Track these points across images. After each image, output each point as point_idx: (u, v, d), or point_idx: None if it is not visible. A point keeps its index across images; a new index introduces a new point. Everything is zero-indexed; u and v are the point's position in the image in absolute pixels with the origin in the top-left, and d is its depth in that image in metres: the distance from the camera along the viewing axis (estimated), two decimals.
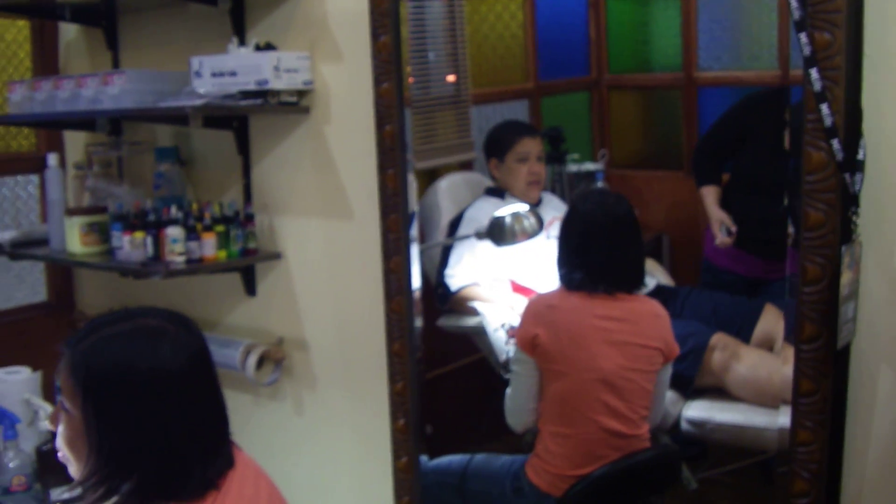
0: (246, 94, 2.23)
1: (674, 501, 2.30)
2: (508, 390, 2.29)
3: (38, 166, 3.01)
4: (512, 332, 2.36)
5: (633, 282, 2.22)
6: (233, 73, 2.23)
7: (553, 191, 2.79)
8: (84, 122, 2.75)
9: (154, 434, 1.37)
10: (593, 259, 2.19)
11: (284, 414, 2.56)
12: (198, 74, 2.29)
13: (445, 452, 2.38)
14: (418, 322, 2.25)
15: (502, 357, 2.43)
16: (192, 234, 2.31)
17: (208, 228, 2.33)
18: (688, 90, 2.84)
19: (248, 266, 2.51)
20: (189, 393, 1.40)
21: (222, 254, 2.36)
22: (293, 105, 2.30)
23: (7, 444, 2.46)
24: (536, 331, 2.16)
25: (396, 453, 2.29)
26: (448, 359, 2.62)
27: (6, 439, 2.46)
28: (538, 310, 2.23)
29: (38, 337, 2.95)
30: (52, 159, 2.68)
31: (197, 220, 2.34)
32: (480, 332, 2.51)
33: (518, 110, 2.99)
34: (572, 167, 2.84)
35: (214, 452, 1.43)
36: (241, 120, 2.46)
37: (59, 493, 1.71)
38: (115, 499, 1.38)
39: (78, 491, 1.40)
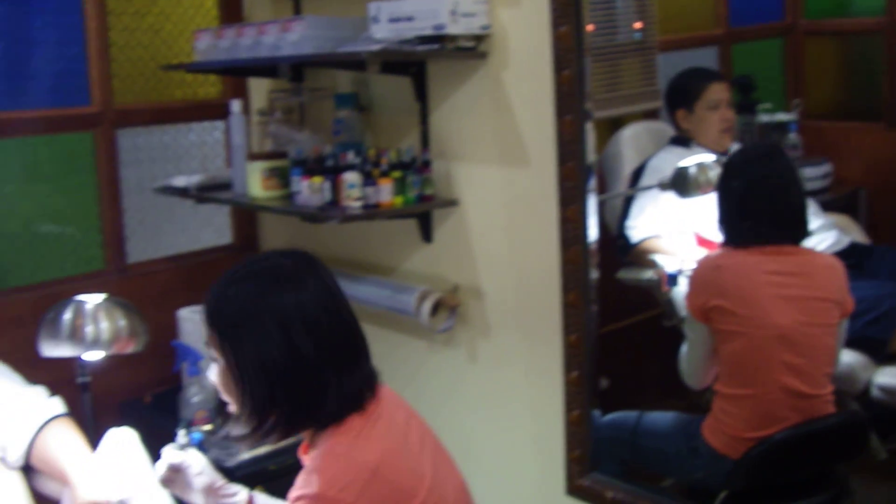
0: (423, 40, 2.35)
1: (860, 471, 2.29)
2: (683, 350, 2.34)
3: (224, 113, 3.24)
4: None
5: (797, 233, 2.22)
6: (410, 19, 2.35)
7: (742, 142, 2.79)
8: (266, 68, 2.96)
9: (284, 369, 1.55)
10: (756, 213, 2.19)
11: (458, 361, 2.71)
12: (375, 20, 2.43)
13: (619, 408, 2.45)
14: (595, 274, 2.33)
15: (682, 313, 2.48)
16: (368, 179, 2.47)
17: (385, 174, 2.48)
18: (891, 36, 2.76)
19: (424, 212, 2.66)
20: (315, 327, 1.55)
21: (398, 200, 2.50)
22: (470, 50, 2.41)
23: (191, 380, 2.73)
24: (706, 297, 2.19)
25: (569, 405, 2.40)
26: (625, 313, 2.68)
27: (190, 375, 2.73)
28: (705, 274, 2.26)
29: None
30: (236, 105, 2.90)
31: (374, 165, 2.50)
32: (660, 286, 2.56)
33: (706, 57, 2.98)
34: (763, 117, 2.81)
35: (350, 380, 1.58)
36: (419, 66, 2.59)
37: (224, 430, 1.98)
38: (264, 430, 1.59)
39: (236, 427, 1.62)
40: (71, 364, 2.44)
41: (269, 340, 1.55)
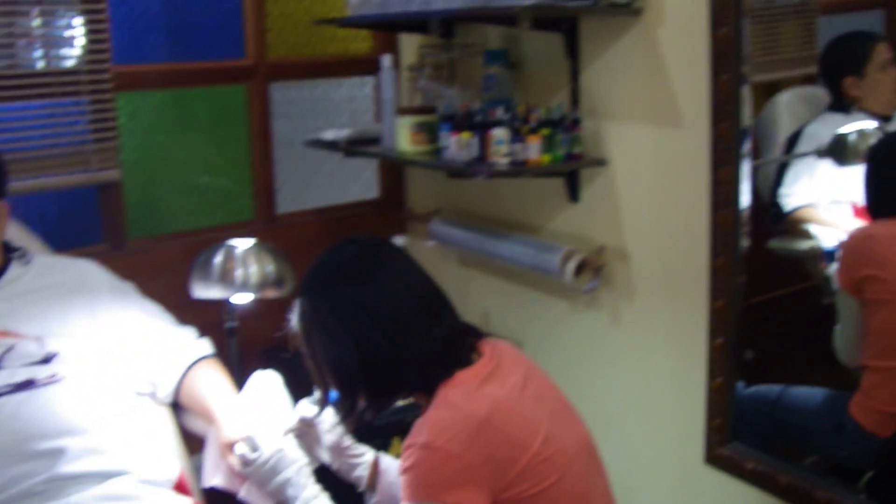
0: None
1: None
2: (838, 326, 2.32)
3: (374, 68, 3.35)
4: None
5: None
6: None
7: None
8: (417, 23, 3.03)
9: (357, 364, 1.67)
10: None
11: (601, 323, 2.75)
12: None
13: (762, 381, 2.44)
14: (745, 242, 2.34)
15: (836, 286, 2.45)
16: (517, 136, 2.53)
17: (533, 131, 2.54)
18: None
19: (571, 171, 2.70)
20: (383, 318, 1.66)
21: (546, 157, 2.55)
22: (624, 7, 2.43)
23: None
24: (857, 268, 2.15)
25: (712, 373, 2.41)
26: (774, 284, 2.67)
27: None
28: (856, 245, 2.22)
29: (368, 232, 3.34)
30: (387, 60, 2.99)
31: (523, 122, 2.55)
32: (813, 256, 2.54)
33: (871, 21, 2.91)
34: None
35: (431, 354, 1.67)
36: (571, 22, 2.62)
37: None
38: (354, 416, 1.73)
39: (329, 411, 1.76)
40: (219, 309, 2.60)
41: (337, 340, 1.68)
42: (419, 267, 1.78)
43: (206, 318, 2.43)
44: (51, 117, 2.78)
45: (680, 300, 2.48)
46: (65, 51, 2.78)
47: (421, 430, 1.60)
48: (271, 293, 2.41)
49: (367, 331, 1.66)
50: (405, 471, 1.62)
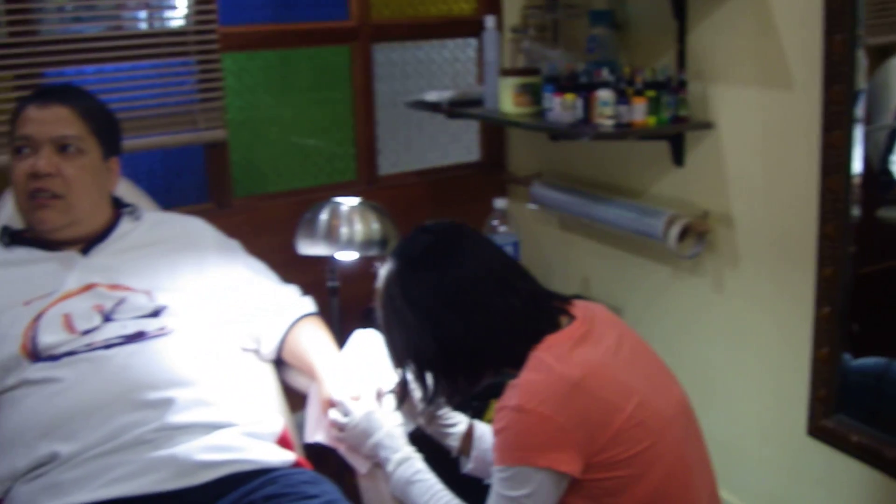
0: None
1: None
2: None
3: (477, 29, 3.36)
4: None
5: None
6: None
7: None
8: None
9: (434, 351, 1.72)
10: None
11: (703, 289, 2.72)
12: None
13: (869, 355, 2.40)
14: (855, 211, 2.29)
15: None
16: (622, 98, 2.51)
17: (639, 93, 2.51)
18: None
19: (677, 134, 2.67)
20: (456, 305, 1.70)
21: (651, 120, 2.53)
22: None
23: None
24: None
25: (817, 342, 2.37)
26: (883, 255, 2.61)
27: None
28: None
29: (469, 194, 3.36)
30: (490, 21, 2.99)
31: (628, 84, 2.53)
32: None
33: None
34: None
35: (514, 328, 1.70)
36: None
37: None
38: (439, 396, 1.79)
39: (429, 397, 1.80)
40: (321, 269, 2.65)
41: (413, 329, 1.73)
42: (494, 246, 1.80)
43: (308, 277, 2.48)
44: (159, 77, 2.85)
45: (786, 267, 2.45)
46: (173, 12, 2.84)
47: (513, 393, 1.62)
48: (375, 252, 2.44)
49: (441, 318, 1.70)
50: (497, 433, 1.64)
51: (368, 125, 3.25)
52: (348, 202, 2.47)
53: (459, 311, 1.70)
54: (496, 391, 1.79)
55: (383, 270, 1.80)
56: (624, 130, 2.52)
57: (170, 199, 2.54)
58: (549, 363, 1.63)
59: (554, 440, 1.59)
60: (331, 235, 2.44)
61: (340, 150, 3.31)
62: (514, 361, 1.68)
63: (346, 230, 2.43)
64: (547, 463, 1.59)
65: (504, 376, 1.73)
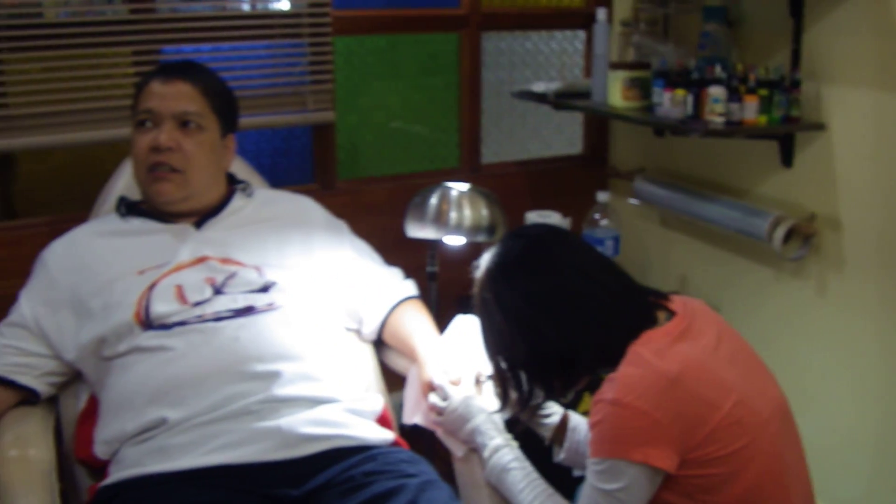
0: None
1: None
2: None
3: (586, 22, 3.36)
4: None
5: None
6: None
7: None
8: None
9: (528, 355, 1.75)
10: None
11: (805, 293, 2.69)
12: None
13: None
14: None
15: None
16: (733, 95, 2.49)
17: (751, 91, 2.49)
18: None
19: (787, 135, 2.63)
20: (549, 310, 1.71)
21: (762, 119, 2.50)
22: None
23: None
24: None
25: None
26: None
27: None
28: None
29: (570, 186, 3.37)
30: (602, 14, 2.98)
31: (740, 81, 2.51)
32: None
33: None
34: None
35: (609, 326, 1.71)
36: None
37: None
38: (533, 400, 1.82)
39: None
40: (420, 253, 2.68)
41: (505, 334, 1.75)
42: (588, 248, 1.81)
43: (406, 261, 2.51)
44: (272, 58, 2.92)
45: (894, 275, 2.41)
46: None
47: (611, 386, 1.63)
48: (482, 238, 2.47)
49: (534, 325, 1.72)
50: (593, 426, 1.65)
51: (474, 113, 3.28)
52: (458, 187, 2.50)
53: (552, 318, 1.71)
54: (592, 384, 1.81)
55: (478, 273, 1.82)
56: (734, 128, 2.50)
57: (275, 178, 2.59)
58: (648, 358, 1.63)
59: (650, 435, 1.59)
60: (439, 219, 2.47)
61: (444, 137, 3.34)
62: (611, 361, 1.69)
63: (456, 215, 2.46)
64: (642, 458, 1.59)
65: (600, 375, 1.74)
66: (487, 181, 3.20)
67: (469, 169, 3.29)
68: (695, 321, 1.73)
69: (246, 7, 2.91)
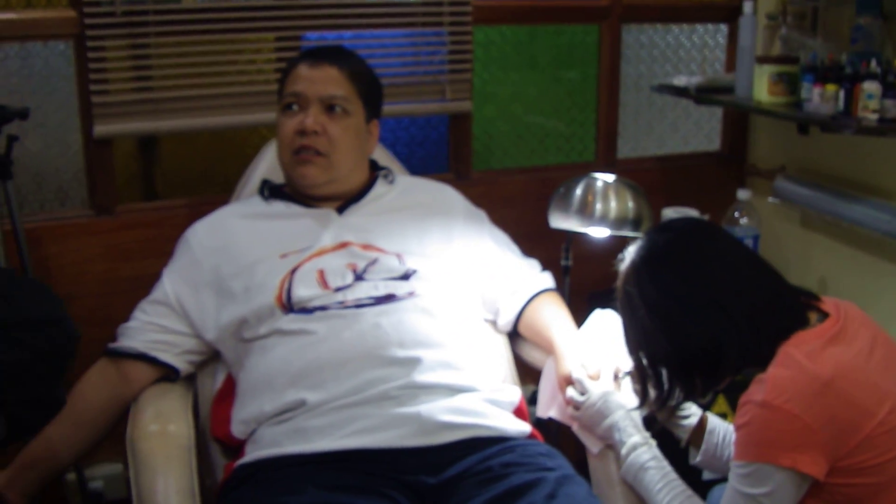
0: None
1: None
2: None
3: (729, 15, 3.29)
4: None
5: None
6: None
7: None
8: None
9: (668, 352, 1.70)
10: None
11: None
12: None
13: None
14: None
15: None
16: (889, 92, 2.39)
17: None
18: None
19: None
20: (701, 300, 1.67)
21: None
22: None
23: None
24: None
25: None
26: None
27: None
28: None
29: (708, 183, 3.30)
30: (748, 7, 2.91)
31: None
32: None
33: None
34: None
35: (755, 324, 1.66)
36: None
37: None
38: (673, 398, 1.77)
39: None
40: (552, 247, 2.66)
41: (648, 330, 1.71)
42: (737, 243, 1.76)
43: (538, 254, 2.50)
44: (412, 46, 2.93)
45: None
46: None
47: (760, 388, 1.59)
48: (627, 231, 2.42)
49: (679, 321, 1.68)
50: (739, 427, 1.61)
51: (611, 107, 3.23)
52: (604, 178, 2.47)
53: (698, 315, 1.67)
54: (730, 386, 1.76)
55: (622, 267, 1.79)
56: (889, 126, 2.41)
57: (410, 167, 2.60)
58: (799, 360, 1.58)
59: (799, 440, 1.55)
60: (584, 211, 2.44)
61: (580, 130, 3.31)
62: (758, 361, 1.65)
63: (601, 206, 2.42)
64: (790, 462, 1.55)
65: (746, 375, 1.69)
66: (623, 176, 3.16)
67: (605, 163, 3.25)
68: (848, 324, 1.67)
69: None
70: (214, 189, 2.98)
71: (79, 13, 2.54)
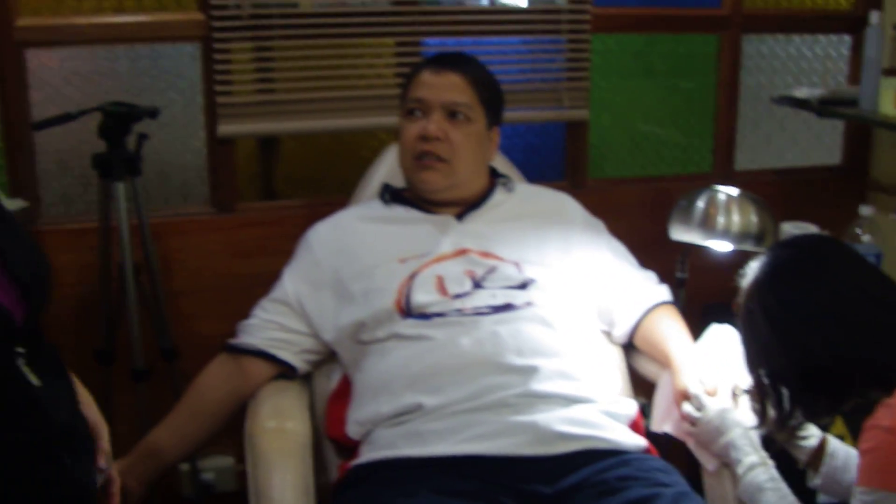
0: None
1: None
2: None
3: (853, 26, 3.21)
4: None
5: None
6: None
7: None
8: None
9: (785, 369, 1.66)
10: None
11: None
12: None
13: None
14: None
15: None
16: None
17: None
18: None
19: None
20: (826, 318, 1.62)
21: None
22: None
23: None
24: None
25: None
26: None
27: None
28: None
29: (827, 198, 3.23)
30: (875, 17, 2.84)
31: None
32: None
33: None
34: None
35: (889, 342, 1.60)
36: None
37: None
38: (793, 418, 1.71)
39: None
40: (666, 258, 2.62)
41: (771, 347, 1.67)
42: (864, 261, 1.71)
43: (652, 265, 2.47)
44: (530, 53, 2.93)
45: None
46: None
47: (888, 412, 1.54)
48: (750, 245, 2.38)
49: (803, 339, 1.63)
50: (864, 452, 1.57)
51: (730, 118, 3.19)
52: (727, 191, 2.43)
53: (824, 334, 1.63)
54: (850, 408, 1.72)
55: (744, 283, 1.75)
56: None
57: (525, 173, 2.60)
58: None
59: None
60: (706, 223, 2.40)
61: (696, 141, 3.27)
62: (886, 383, 1.60)
63: (723, 220, 2.39)
64: None
65: (870, 397, 1.65)
66: (740, 188, 3.12)
67: (722, 175, 3.20)
68: None
69: (484, 1, 2.94)
70: (330, 190, 3.02)
71: (207, 16, 2.61)
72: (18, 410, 1.08)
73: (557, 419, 1.82)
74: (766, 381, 1.74)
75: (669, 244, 2.53)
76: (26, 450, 1.06)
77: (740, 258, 1.77)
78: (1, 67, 2.52)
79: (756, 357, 1.75)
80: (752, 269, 1.76)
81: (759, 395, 1.79)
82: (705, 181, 3.01)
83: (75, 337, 2.60)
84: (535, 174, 3.06)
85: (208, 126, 2.71)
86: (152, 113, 2.37)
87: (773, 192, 3.20)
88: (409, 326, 1.97)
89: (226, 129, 2.66)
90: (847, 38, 3.35)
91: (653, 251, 2.59)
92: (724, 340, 2.05)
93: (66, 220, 2.71)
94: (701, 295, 2.85)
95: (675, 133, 3.30)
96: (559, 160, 3.08)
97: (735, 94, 3.18)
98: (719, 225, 2.39)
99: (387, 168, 2.44)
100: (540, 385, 1.85)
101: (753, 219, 2.39)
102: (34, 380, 1.07)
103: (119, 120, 2.33)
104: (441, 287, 2.01)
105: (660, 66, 3.27)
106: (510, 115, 2.79)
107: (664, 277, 2.41)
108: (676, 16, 3.11)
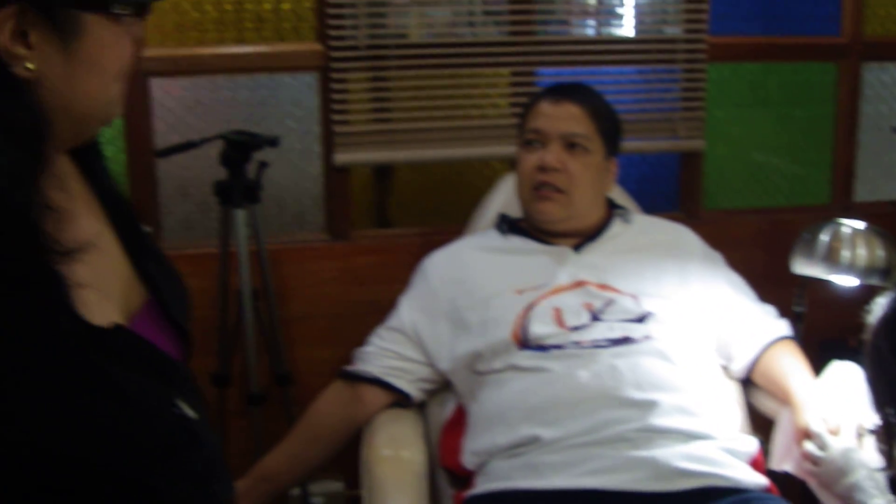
0: None
1: None
2: None
3: None
4: None
5: None
6: None
7: None
8: None
9: None
10: None
11: None
12: None
13: None
14: None
15: None
16: None
17: None
18: None
19: None
20: None
21: None
22: None
23: None
24: None
25: None
26: None
27: None
28: None
29: None
30: None
31: None
32: None
33: None
34: None
35: None
36: None
37: None
38: None
39: None
40: (783, 291, 2.56)
41: (893, 387, 1.57)
42: None
43: (768, 298, 2.42)
44: (645, 83, 2.91)
45: None
46: (663, 19, 2.90)
47: None
48: (875, 281, 2.32)
49: None
50: None
51: (849, 148, 3.13)
52: (852, 224, 2.37)
53: None
54: None
55: (871, 319, 1.71)
56: None
57: (639, 204, 2.58)
58: None
59: None
60: (830, 258, 2.35)
61: (814, 171, 3.20)
62: None
63: (848, 254, 2.33)
64: None
65: None
66: (860, 220, 3.05)
67: (841, 206, 3.13)
68: None
69: (590, 31, 2.93)
70: (443, 218, 3.04)
71: (325, 47, 2.66)
72: (185, 447, 1.10)
73: (677, 455, 1.79)
74: (893, 420, 1.69)
75: (785, 277, 2.48)
76: (190, 483, 1.07)
77: (859, 293, 1.73)
78: (127, 96, 2.60)
79: (883, 396, 1.70)
80: (880, 304, 1.72)
81: (887, 435, 1.74)
82: (823, 213, 2.96)
83: (192, 359, 2.65)
84: (649, 204, 3.04)
85: (325, 154, 2.76)
86: (273, 141, 2.42)
87: (893, 225, 3.12)
88: (526, 358, 1.96)
89: (342, 157, 2.71)
90: None
91: (768, 284, 2.54)
92: (847, 378, 2.00)
93: (187, 245, 2.77)
94: (818, 330, 2.78)
95: (792, 163, 3.24)
96: (673, 190, 3.05)
97: (854, 124, 3.12)
98: (844, 259, 2.33)
99: (503, 198, 2.45)
100: (659, 420, 1.83)
101: (880, 253, 2.33)
102: (191, 413, 1.09)
103: (241, 148, 2.39)
104: (559, 319, 2.00)
105: (776, 94, 3.22)
106: (625, 145, 2.79)
107: (780, 311, 2.37)
108: (794, 44, 3.07)
